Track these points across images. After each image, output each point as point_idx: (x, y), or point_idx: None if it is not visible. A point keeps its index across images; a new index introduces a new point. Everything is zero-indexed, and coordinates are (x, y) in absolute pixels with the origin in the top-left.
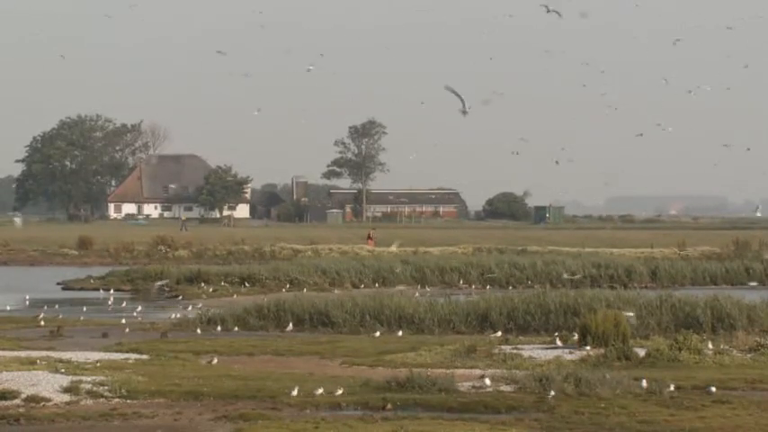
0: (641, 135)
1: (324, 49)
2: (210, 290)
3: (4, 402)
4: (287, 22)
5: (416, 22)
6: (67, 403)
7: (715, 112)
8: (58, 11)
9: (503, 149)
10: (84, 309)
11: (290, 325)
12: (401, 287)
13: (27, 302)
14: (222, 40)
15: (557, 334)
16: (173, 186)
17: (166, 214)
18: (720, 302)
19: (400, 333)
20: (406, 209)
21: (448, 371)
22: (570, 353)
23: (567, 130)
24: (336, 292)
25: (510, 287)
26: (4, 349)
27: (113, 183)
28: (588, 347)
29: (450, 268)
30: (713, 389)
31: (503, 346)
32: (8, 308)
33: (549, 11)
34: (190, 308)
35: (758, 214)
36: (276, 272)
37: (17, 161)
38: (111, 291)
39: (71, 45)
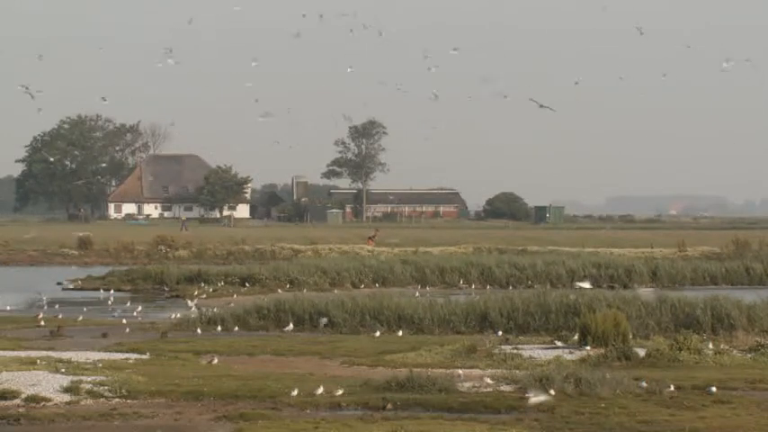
0: None
1: (326, 48)
2: (210, 290)
3: (4, 402)
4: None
5: (416, 22)
6: (68, 403)
7: (716, 113)
8: (59, 11)
9: (503, 149)
10: (85, 309)
11: (291, 325)
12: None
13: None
14: (222, 41)
15: (557, 337)
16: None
17: (167, 214)
18: (720, 302)
19: (400, 333)
20: (407, 209)
21: (448, 371)
22: (570, 353)
23: (568, 130)
24: (336, 292)
25: (510, 287)
26: (4, 349)
27: (113, 183)
28: (588, 347)
29: (450, 268)
30: (713, 389)
31: (503, 346)
32: (8, 308)
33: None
34: (193, 308)
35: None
36: (276, 272)
37: (17, 161)
38: (112, 291)
39: (72, 45)
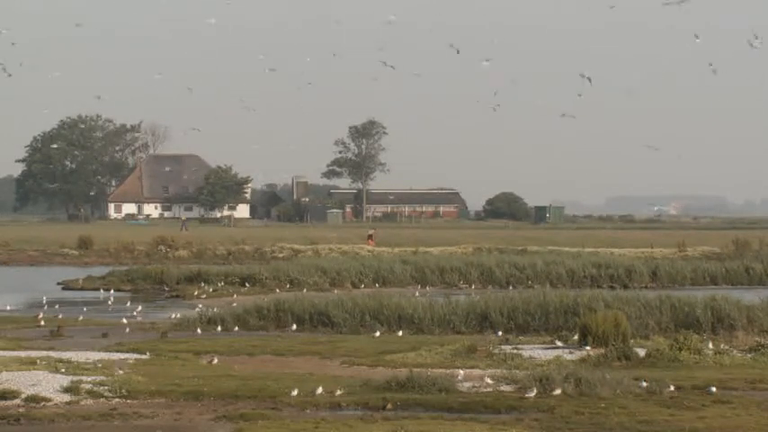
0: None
1: (325, 48)
2: (210, 290)
3: (4, 402)
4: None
5: (417, 22)
6: (68, 403)
7: (716, 113)
8: (59, 11)
9: (503, 149)
10: (85, 309)
11: (294, 325)
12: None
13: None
14: (222, 40)
15: (557, 337)
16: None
17: (167, 214)
18: (720, 302)
19: (400, 333)
20: (407, 209)
21: (448, 371)
22: (570, 353)
23: (569, 130)
24: (336, 292)
25: (510, 287)
26: (4, 349)
27: (113, 183)
28: (588, 347)
29: (450, 268)
30: (713, 389)
31: (503, 346)
32: (8, 308)
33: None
34: (199, 308)
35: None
36: (276, 272)
37: (17, 161)
38: (112, 291)
39: (72, 45)
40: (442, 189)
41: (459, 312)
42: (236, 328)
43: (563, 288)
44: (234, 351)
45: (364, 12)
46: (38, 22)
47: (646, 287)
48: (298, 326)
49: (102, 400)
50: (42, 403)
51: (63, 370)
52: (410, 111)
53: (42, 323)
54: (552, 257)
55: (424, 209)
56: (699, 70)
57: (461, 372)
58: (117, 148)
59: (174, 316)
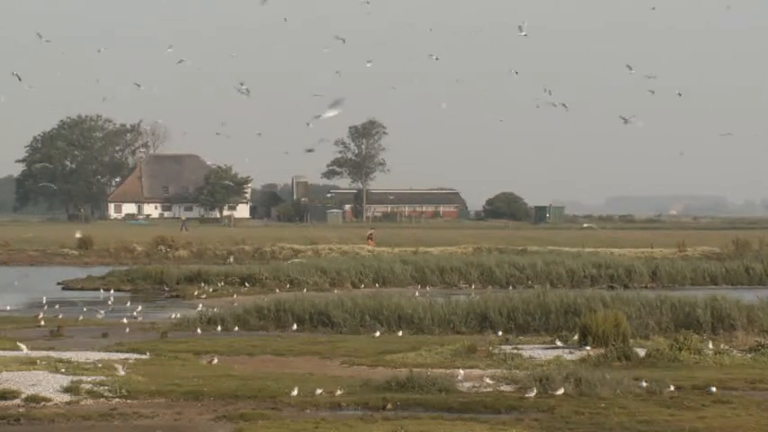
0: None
1: (324, 48)
2: (210, 290)
3: (4, 402)
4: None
5: (417, 22)
6: (68, 403)
7: (715, 113)
8: (59, 11)
9: (503, 149)
10: (85, 309)
11: (294, 326)
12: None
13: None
14: (222, 39)
15: (557, 337)
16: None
17: (167, 214)
18: (720, 302)
19: (400, 333)
20: (407, 209)
21: (448, 371)
22: (570, 353)
23: (569, 130)
24: (336, 292)
25: (510, 287)
26: (4, 349)
27: (113, 183)
28: (588, 347)
29: (450, 268)
30: (713, 389)
31: (503, 346)
32: (8, 308)
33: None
34: (198, 307)
35: (585, 225)
36: (276, 272)
37: (17, 161)
38: (112, 291)
39: (72, 45)
40: (442, 189)
41: (459, 312)
42: (236, 328)
43: (563, 288)
44: (234, 351)
45: (365, 11)
46: (38, 22)
47: (646, 287)
48: (298, 326)
49: (102, 400)
50: (42, 403)
51: (63, 370)
52: (410, 111)
53: (42, 323)
54: (552, 257)
55: (424, 209)
56: (699, 70)
57: (461, 372)
58: (117, 148)
59: (174, 316)
